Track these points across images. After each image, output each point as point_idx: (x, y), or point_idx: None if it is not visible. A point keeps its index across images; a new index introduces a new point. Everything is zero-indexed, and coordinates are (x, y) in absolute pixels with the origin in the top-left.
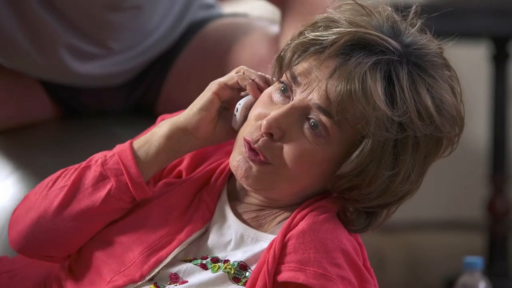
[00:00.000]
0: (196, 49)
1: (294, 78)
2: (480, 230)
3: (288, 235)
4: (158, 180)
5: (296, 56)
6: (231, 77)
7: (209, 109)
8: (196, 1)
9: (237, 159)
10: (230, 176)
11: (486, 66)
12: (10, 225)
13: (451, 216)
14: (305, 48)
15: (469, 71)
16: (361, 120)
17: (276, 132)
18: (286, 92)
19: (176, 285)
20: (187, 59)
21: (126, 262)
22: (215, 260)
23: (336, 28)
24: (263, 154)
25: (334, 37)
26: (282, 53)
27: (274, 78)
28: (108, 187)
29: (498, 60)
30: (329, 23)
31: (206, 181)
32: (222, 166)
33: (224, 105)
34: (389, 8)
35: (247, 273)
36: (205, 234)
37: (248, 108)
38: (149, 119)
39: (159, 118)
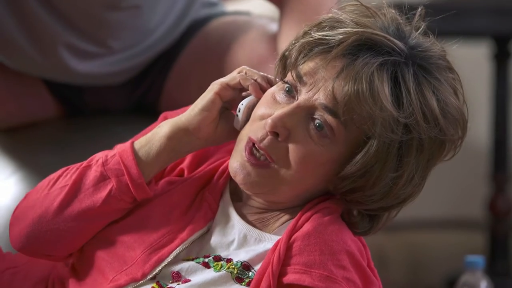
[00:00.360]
0: (197, 48)
1: (299, 77)
2: (481, 229)
3: (293, 237)
4: (160, 178)
5: (302, 55)
6: (233, 77)
7: (210, 110)
8: None
9: (236, 164)
10: None
11: (487, 65)
12: (11, 224)
13: (452, 215)
14: (311, 48)
15: (471, 70)
16: (368, 120)
17: (281, 132)
18: (291, 92)
19: (178, 284)
20: (189, 58)
21: (128, 261)
22: (218, 258)
23: (342, 28)
24: (268, 153)
25: (341, 37)
26: (286, 53)
27: (277, 78)
28: (108, 187)
29: (500, 59)
30: (334, 23)
31: (208, 180)
32: (224, 165)
33: (225, 105)
34: (393, 10)
35: (250, 273)
36: (207, 233)
37: (250, 108)
38: (151, 118)
39: (161, 115)
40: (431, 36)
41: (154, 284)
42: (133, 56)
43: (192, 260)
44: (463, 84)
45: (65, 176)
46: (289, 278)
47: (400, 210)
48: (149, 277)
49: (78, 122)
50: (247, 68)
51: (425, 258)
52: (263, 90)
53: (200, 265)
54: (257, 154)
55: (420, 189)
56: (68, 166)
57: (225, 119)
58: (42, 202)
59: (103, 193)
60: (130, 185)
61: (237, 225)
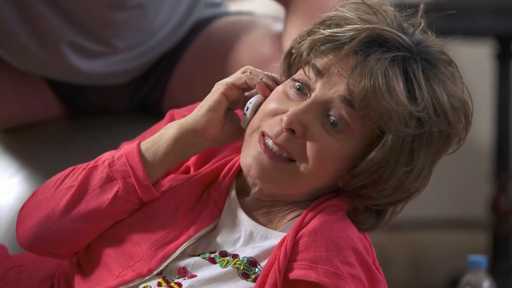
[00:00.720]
0: (201, 48)
1: (318, 71)
2: (484, 228)
3: (299, 233)
4: (166, 175)
5: (313, 52)
6: (238, 77)
7: (217, 110)
8: None
9: (250, 158)
10: (239, 173)
11: (490, 65)
12: (18, 222)
13: (455, 214)
14: (321, 44)
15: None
16: (384, 115)
17: (298, 128)
18: (302, 90)
19: (184, 279)
20: (192, 58)
21: (134, 257)
22: (224, 254)
23: (349, 25)
24: (286, 149)
25: (351, 33)
26: (292, 51)
27: (283, 77)
28: (115, 188)
29: (502, 59)
30: (340, 20)
31: (214, 178)
32: (230, 163)
33: (229, 105)
34: (392, 8)
35: (257, 269)
36: (214, 230)
37: (257, 107)
38: (155, 117)
39: (168, 113)
40: (429, 33)
41: (160, 280)
42: (137, 55)
43: (198, 255)
44: (465, 83)
45: (72, 176)
46: (295, 274)
47: (403, 210)
48: (155, 272)
49: (81, 121)
50: (251, 67)
51: (427, 257)
52: (269, 89)
53: (206, 261)
54: (273, 149)
55: (426, 183)
56: (75, 166)
57: (230, 119)
58: (48, 202)
59: (110, 194)
60: (136, 186)
61: (243, 222)
